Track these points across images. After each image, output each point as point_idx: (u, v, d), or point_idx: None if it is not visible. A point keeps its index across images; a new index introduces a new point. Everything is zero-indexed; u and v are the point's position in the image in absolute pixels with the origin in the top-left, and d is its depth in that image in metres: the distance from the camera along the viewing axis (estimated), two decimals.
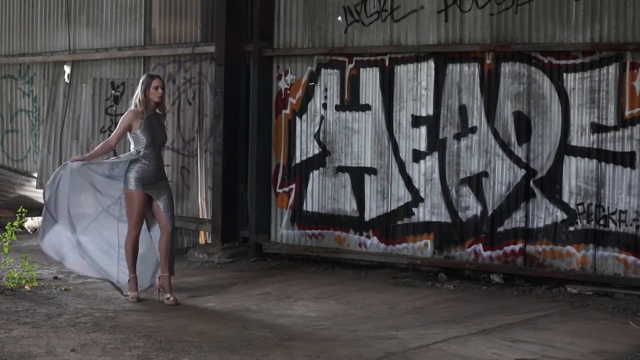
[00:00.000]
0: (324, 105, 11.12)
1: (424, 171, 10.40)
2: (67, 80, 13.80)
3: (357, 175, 10.87)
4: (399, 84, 10.59)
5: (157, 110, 8.58)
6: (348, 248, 10.94)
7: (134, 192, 8.43)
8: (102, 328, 7.26)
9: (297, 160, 11.36)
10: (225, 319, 7.75)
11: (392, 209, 10.62)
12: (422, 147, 10.42)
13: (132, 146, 8.54)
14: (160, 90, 8.48)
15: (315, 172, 11.19)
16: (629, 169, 9.15)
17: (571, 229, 9.46)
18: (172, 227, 8.57)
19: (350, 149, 10.92)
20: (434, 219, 10.32)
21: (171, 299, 8.38)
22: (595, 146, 9.33)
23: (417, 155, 10.45)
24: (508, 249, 9.84)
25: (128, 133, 8.52)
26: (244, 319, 7.79)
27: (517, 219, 9.78)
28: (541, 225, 9.64)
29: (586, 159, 9.39)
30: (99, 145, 8.70)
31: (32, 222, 14.05)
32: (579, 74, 9.43)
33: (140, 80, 8.58)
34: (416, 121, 10.47)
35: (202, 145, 12.27)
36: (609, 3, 9.21)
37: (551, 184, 9.60)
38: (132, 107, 8.53)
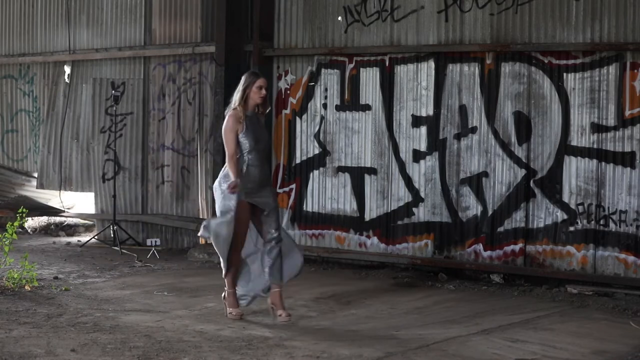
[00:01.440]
0: (324, 105, 11.12)
1: (424, 171, 10.40)
2: (67, 80, 13.80)
3: (357, 175, 10.87)
4: (399, 84, 10.59)
5: (257, 111, 7.79)
6: (348, 248, 10.94)
7: (242, 204, 7.58)
8: (102, 328, 7.26)
9: (297, 160, 11.35)
10: (225, 319, 7.75)
11: (392, 209, 10.62)
12: (422, 147, 10.42)
13: None
14: (263, 91, 7.70)
15: (316, 172, 11.19)
16: (629, 169, 9.15)
17: (571, 229, 9.46)
18: (278, 239, 7.68)
19: (351, 149, 10.92)
20: (434, 219, 10.32)
21: (283, 315, 7.61)
22: (595, 146, 9.33)
23: (417, 155, 10.45)
24: (508, 249, 9.84)
25: None
26: (244, 319, 7.79)
27: (517, 219, 9.78)
28: (541, 225, 9.64)
29: (586, 159, 9.39)
30: (233, 164, 7.58)
31: (32, 222, 14.06)
32: (579, 74, 9.44)
33: (243, 78, 7.81)
34: (416, 121, 10.47)
35: (202, 145, 12.27)
36: (609, 3, 9.21)
37: (551, 184, 9.60)
38: (231, 108, 7.73)
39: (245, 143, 7.63)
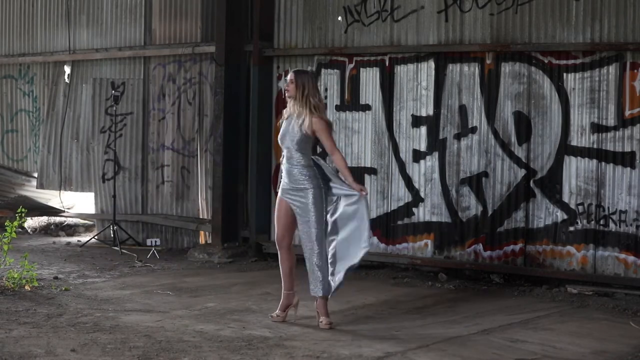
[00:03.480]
0: (324, 106, 11.11)
1: (424, 171, 10.40)
2: (67, 80, 13.80)
3: (357, 175, 10.84)
4: (399, 84, 10.59)
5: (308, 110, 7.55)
6: None
7: (278, 199, 7.74)
8: (102, 328, 7.26)
9: None
10: (225, 319, 7.76)
11: (392, 209, 10.62)
12: (422, 147, 10.42)
13: None
14: (287, 86, 7.57)
15: None
16: (629, 169, 9.15)
17: (571, 229, 9.46)
18: (309, 249, 7.57)
19: (350, 149, 10.92)
20: (434, 219, 10.32)
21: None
22: (595, 146, 9.33)
23: (417, 155, 10.45)
24: (508, 249, 9.84)
25: None
26: (244, 319, 7.80)
27: (517, 219, 9.78)
28: (541, 225, 9.64)
29: (586, 159, 9.39)
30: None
31: (32, 222, 14.06)
32: (579, 74, 9.44)
33: None
34: (416, 121, 10.47)
35: (202, 145, 12.28)
36: (609, 3, 9.21)
37: (551, 184, 9.60)
38: None
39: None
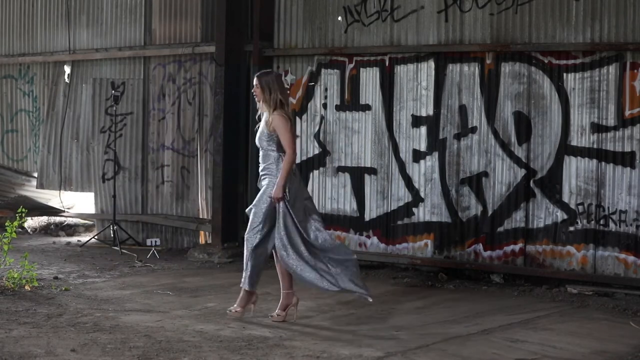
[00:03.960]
0: (324, 105, 11.12)
1: (424, 171, 10.40)
2: (67, 80, 13.80)
3: (357, 175, 10.87)
4: (399, 84, 10.59)
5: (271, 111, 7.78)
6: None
7: None
8: (102, 328, 7.26)
9: (297, 160, 11.33)
10: (225, 319, 7.76)
11: (392, 209, 10.62)
12: (422, 147, 10.42)
13: None
14: (255, 91, 7.84)
15: (315, 172, 11.19)
16: (629, 169, 9.15)
17: (571, 229, 9.46)
18: (276, 246, 8.00)
19: (350, 149, 10.92)
20: (434, 219, 10.32)
21: (235, 309, 7.89)
22: (595, 146, 9.34)
23: (417, 155, 10.45)
24: (508, 249, 9.84)
25: None
26: (244, 319, 7.80)
27: (517, 219, 9.78)
28: (541, 225, 9.64)
29: (586, 159, 9.39)
30: None
31: (32, 222, 14.06)
32: (579, 74, 9.44)
33: None
34: (416, 121, 10.47)
35: (202, 145, 12.28)
36: (609, 3, 9.22)
37: (551, 184, 9.60)
38: None
39: None
